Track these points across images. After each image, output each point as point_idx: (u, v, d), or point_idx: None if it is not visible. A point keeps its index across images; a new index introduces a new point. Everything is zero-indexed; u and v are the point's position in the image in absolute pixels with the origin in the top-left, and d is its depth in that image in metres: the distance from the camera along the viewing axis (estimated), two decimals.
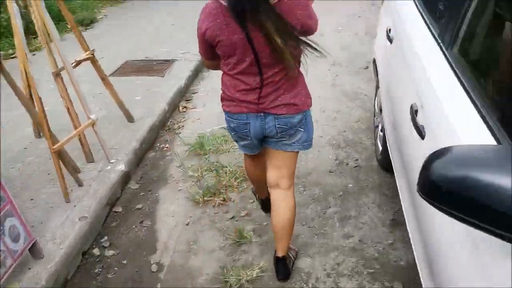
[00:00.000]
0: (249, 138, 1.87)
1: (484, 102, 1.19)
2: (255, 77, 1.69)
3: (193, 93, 4.39)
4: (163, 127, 3.73)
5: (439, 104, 1.39)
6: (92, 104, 3.84)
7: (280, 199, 2.00)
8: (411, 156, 1.65)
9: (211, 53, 1.76)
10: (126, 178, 3.04)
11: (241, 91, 1.74)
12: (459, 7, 1.52)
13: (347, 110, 3.74)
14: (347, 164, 3.05)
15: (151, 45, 5.50)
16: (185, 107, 4.09)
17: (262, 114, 1.77)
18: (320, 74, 4.41)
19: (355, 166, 3.02)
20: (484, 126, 1.13)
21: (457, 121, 1.25)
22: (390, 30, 2.37)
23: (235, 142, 2.13)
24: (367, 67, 4.50)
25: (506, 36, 1.26)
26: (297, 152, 1.95)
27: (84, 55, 3.05)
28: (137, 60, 5.04)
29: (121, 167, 3.01)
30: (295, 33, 1.60)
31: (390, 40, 2.29)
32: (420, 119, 1.52)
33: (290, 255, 2.20)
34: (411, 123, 1.57)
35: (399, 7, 2.42)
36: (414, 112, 1.57)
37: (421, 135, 1.46)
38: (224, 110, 1.88)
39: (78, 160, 2.93)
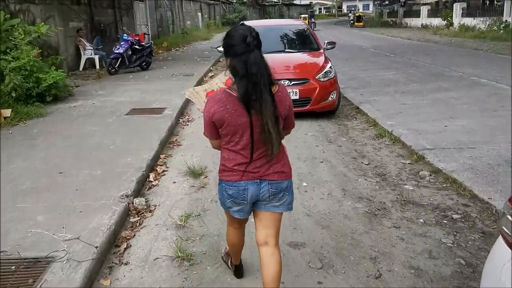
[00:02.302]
0: (246, 202, 2.19)
1: None
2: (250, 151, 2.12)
3: None
4: None
5: None
6: None
7: (269, 255, 2.25)
8: None
9: (216, 133, 2.15)
10: None
11: (241, 164, 2.12)
12: None
13: None
14: None
15: (22, 230, 3.37)
16: None
17: (258, 180, 2.14)
18: None
19: None
20: None
21: None
22: None
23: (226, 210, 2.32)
24: (379, 275, 2.79)
25: None
26: (282, 214, 2.28)
27: None
28: None
29: None
30: (282, 119, 2.11)
31: None
32: None
33: None
34: None
35: None
36: None
37: None
38: (223, 180, 2.20)
39: None
